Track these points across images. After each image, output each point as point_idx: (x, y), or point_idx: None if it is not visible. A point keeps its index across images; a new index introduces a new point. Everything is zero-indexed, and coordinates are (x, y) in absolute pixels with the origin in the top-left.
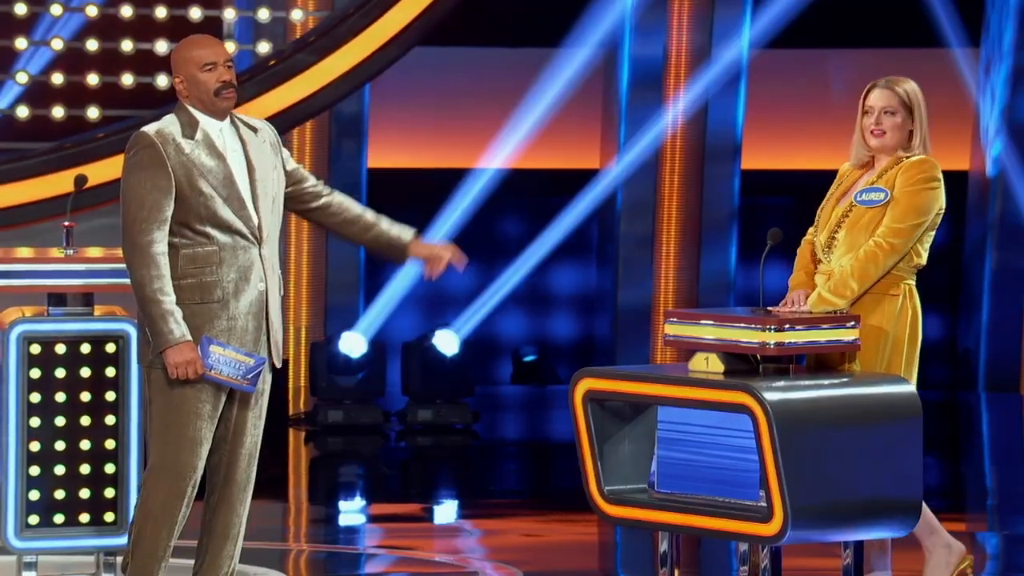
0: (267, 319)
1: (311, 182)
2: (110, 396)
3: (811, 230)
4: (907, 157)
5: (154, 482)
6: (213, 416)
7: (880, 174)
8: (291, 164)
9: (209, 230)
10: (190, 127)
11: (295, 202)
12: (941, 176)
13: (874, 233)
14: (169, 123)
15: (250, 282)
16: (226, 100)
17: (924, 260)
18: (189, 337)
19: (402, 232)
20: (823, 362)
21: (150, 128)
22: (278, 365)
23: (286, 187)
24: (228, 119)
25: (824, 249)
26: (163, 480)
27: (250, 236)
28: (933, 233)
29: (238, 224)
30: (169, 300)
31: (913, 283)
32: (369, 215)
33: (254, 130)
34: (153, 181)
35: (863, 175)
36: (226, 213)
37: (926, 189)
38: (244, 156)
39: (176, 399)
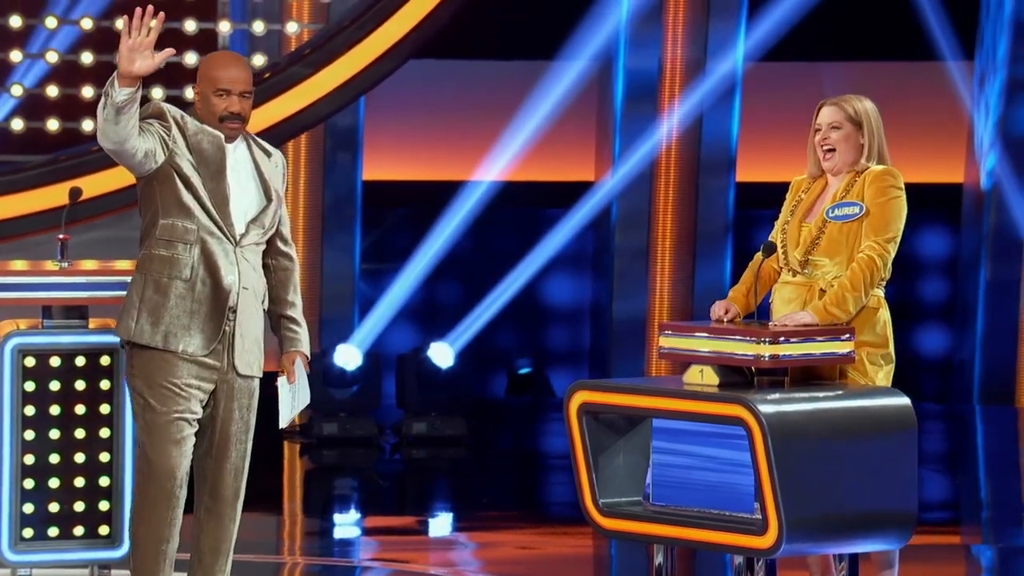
0: (235, 320)
1: (284, 237)
2: (105, 409)
3: (763, 250)
4: (867, 168)
5: (140, 485)
6: (194, 415)
7: (847, 188)
8: (282, 205)
9: (192, 208)
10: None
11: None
12: (903, 186)
13: (854, 245)
14: (186, 114)
15: (218, 275)
16: (230, 129)
17: (890, 270)
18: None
19: (290, 340)
20: (815, 374)
21: (168, 104)
22: (244, 372)
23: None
24: (243, 139)
25: (800, 265)
26: (149, 483)
27: (227, 232)
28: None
29: (216, 216)
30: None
31: (883, 295)
32: (287, 306)
33: (268, 153)
34: (157, 126)
35: (824, 189)
36: (206, 199)
37: (897, 199)
38: (255, 172)
39: (156, 401)
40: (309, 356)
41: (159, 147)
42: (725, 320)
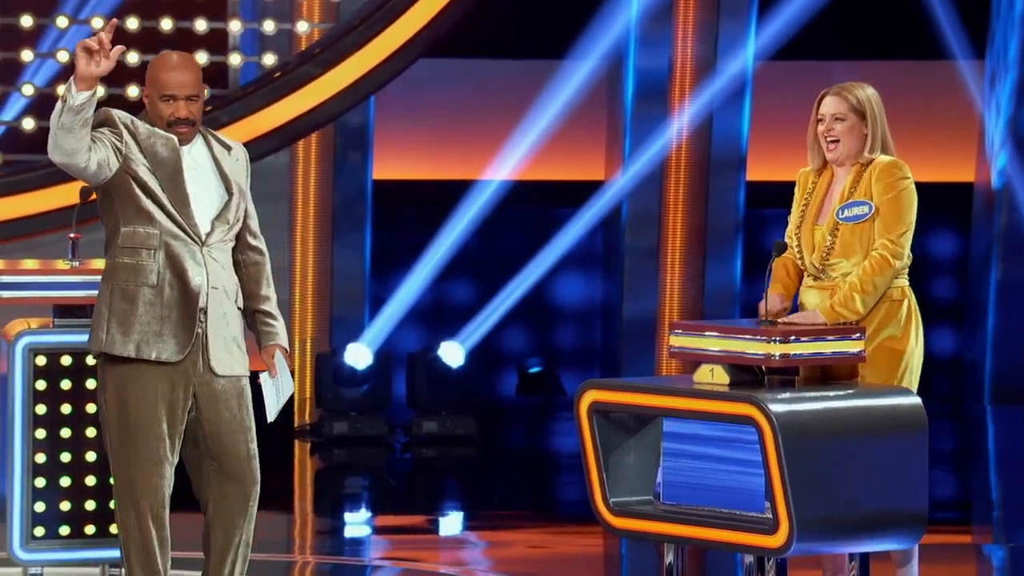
0: (206, 322)
1: (251, 230)
2: None
3: (773, 249)
4: (871, 160)
5: (121, 506)
6: (172, 434)
7: (854, 184)
8: (248, 204)
9: (153, 212)
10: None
11: None
12: (910, 174)
13: (868, 244)
14: (138, 119)
15: (185, 277)
16: (180, 133)
17: (910, 258)
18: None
19: (267, 335)
20: (831, 373)
21: (118, 110)
22: (222, 372)
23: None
24: (199, 135)
25: (818, 270)
26: (128, 503)
27: (191, 233)
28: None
29: (178, 218)
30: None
31: (907, 284)
32: (260, 300)
33: (227, 148)
34: (109, 134)
35: (831, 184)
36: (167, 202)
37: (905, 192)
38: (216, 169)
39: (132, 419)
40: (287, 347)
41: (111, 155)
42: (782, 311)
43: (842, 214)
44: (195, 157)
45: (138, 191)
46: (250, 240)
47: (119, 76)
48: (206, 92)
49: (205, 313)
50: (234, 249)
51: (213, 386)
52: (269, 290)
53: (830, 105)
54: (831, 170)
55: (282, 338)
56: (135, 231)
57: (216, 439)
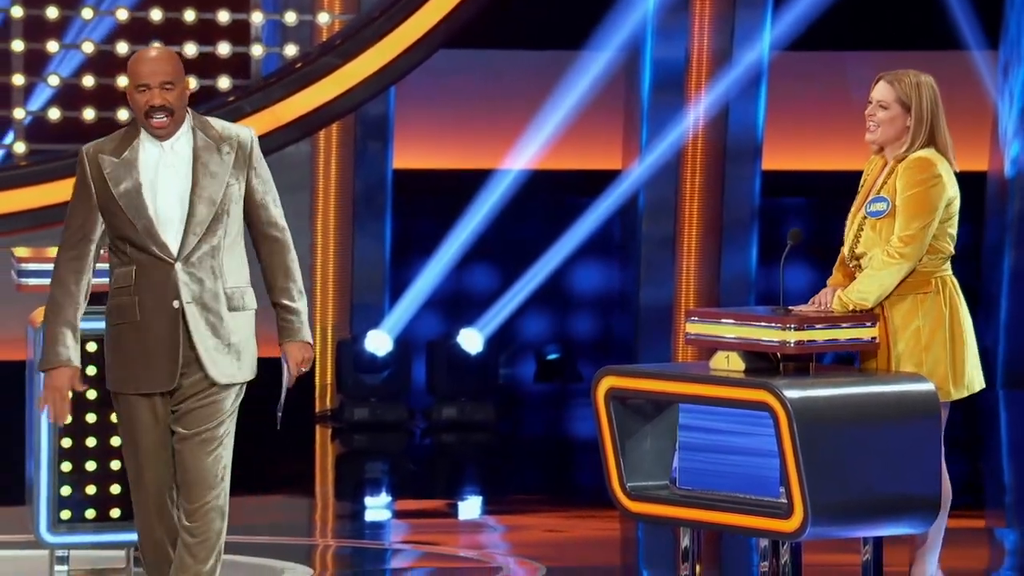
0: (188, 337)
1: (267, 219)
2: None
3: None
4: (907, 155)
5: (132, 497)
6: (158, 423)
7: (885, 179)
8: (259, 188)
9: (128, 249)
10: (126, 142)
11: (247, 224)
12: (940, 171)
13: (886, 240)
14: (113, 137)
15: (165, 302)
16: (156, 125)
17: (952, 248)
18: (70, 362)
19: (283, 330)
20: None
21: (91, 144)
22: (221, 381)
23: (247, 205)
24: (189, 128)
25: (851, 260)
26: (134, 494)
27: (163, 255)
28: (953, 220)
29: (148, 244)
30: (60, 320)
31: (947, 274)
32: (278, 293)
33: (219, 141)
34: (80, 197)
35: (881, 171)
36: (134, 234)
37: (925, 189)
38: (191, 171)
39: (122, 412)
40: (309, 340)
41: (91, 239)
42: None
43: (868, 208)
44: (174, 156)
45: (112, 228)
46: (264, 229)
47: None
48: (191, 82)
49: (188, 332)
50: (254, 240)
51: (206, 386)
52: (288, 281)
53: (878, 91)
54: (884, 157)
55: (300, 334)
56: (117, 272)
57: (181, 446)
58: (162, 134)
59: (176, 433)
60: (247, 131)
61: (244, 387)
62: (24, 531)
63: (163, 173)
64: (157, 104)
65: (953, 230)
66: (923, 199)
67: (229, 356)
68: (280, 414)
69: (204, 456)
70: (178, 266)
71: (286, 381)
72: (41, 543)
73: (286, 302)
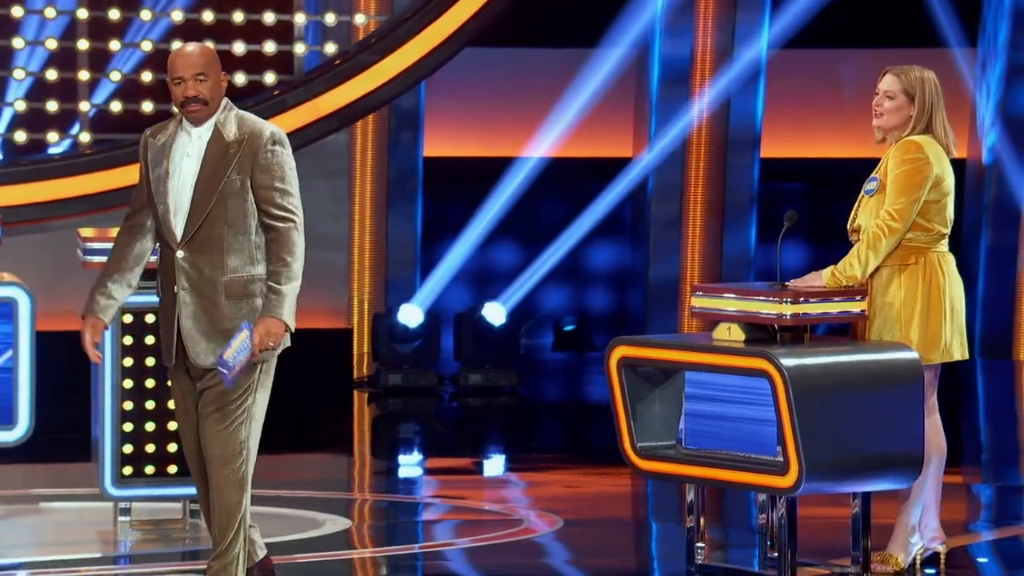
0: (178, 323)
1: (269, 212)
2: None
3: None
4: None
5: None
6: (184, 395)
7: (884, 161)
8: (264, 182)
9: (160, 231)
10: (169, 129)
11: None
12: (927, 152)
13: (877, 216)
14: (165, 123)
15: (169, 285)
16: (192, 113)
17: (944, 227)
18: (95, 314)
19: (264, 304)
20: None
21: (150, 127)
22: (196, 362)
23: (254, 197)
24: (212, 124)
25: (851, 234)
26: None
27: (169, 241)
28: (945, 201)
29: (163, 229)
30: (104, 276)
31: (935, 251)
32: (270, 275)
33: (235, 136)
34: (140, 174)
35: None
36: (158, 217)
37: (910, 168)
38: (199, 163)
39: (172, 395)
40: (282, 320)
41: (146, 210)
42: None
43: (864, 187)
44: (193, 147)
45: (153, 210)
46: (266, 220)
47: None
48: (240, 78)
49: (179, 317)
50: (262, 229)
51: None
52: (279, 266)
53: (886, 82)
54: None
55: (275, 310)
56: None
57: (202, 424)
58: (196, 119)
59: (198, 410)
60: (269, 130)
61: (264, 367)
62: (91, 485)
63: (184, 162)
64: (191, 95)
65: (946, 212)
66: (909, 177)
67: (214, 343)
68: (225, 371)
69: (217, 433)
70: (179, 253)
71: (238, 341)
72: (106, 496)
73: (272, 283)
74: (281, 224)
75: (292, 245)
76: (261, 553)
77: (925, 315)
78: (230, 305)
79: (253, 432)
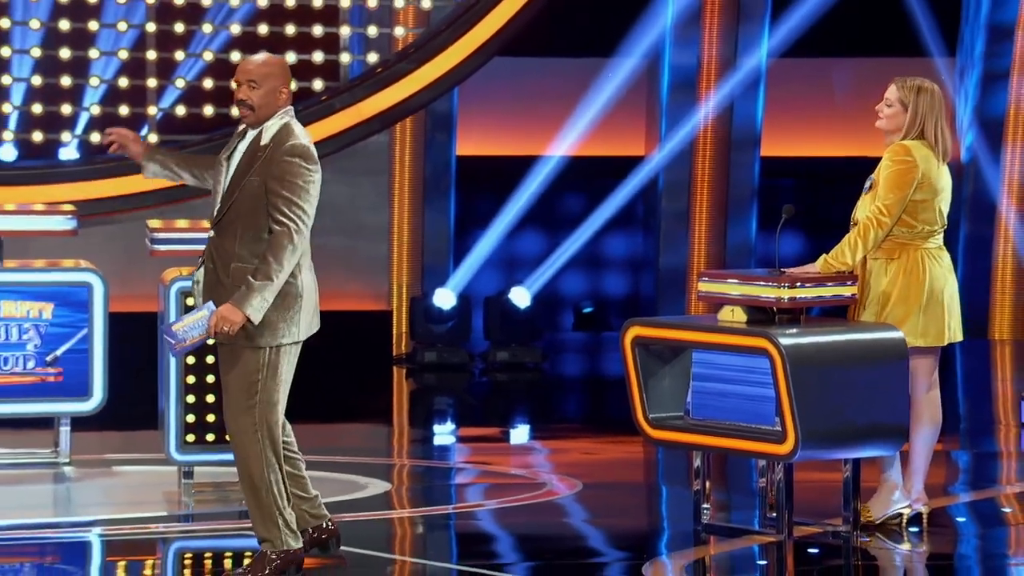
0: (200, 298)
1: (271, 215)
2: None
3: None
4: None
5: None
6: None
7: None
8: (274, 188)
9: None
10: (241, 131)
11: None
12: (914, 155)
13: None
14: None
15: (206, 258)
16: (241, 116)
17: (930, 225)
18: (148, 151)
19: (234, 296)
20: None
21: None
22: (212, 305)
23: (267, 203)
24: (260, 129)
25: (852, 225)
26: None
27: (211, 221)
28: (933, 201)
29: (212, 204)
30: (176, 151)
31: (922, 246)
32: (253, 271)
33: (263, 143)
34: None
35: None
36: (212, 193)
37: (897, 169)
38: (239, 160)
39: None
40: (243, 312)
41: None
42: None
43: (865, 184)
44: (241, 147)
45: None
46: (269, 222)
47: None
48: (285, 89)
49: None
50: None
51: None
52: (262, 263)
53: (888, 91)
54: None
55: (241, 301)
56: None
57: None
58: (245, 122)
59: None
60: (292, 142)
61: (271, 352)
62: (158, 451)
63: (233, 157)
64: (240, 98)
65: (933, 211)
66: (897, 176)
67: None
68: (173, 341)
69: (225, 403)
70: (212, 231)
71: (194, 317)
72: (171, 461)
73: (249, 276)
74: (277, 227)
75: (279, 248)
76: (316, 523)
77: (907, 305)
78: (231, 289)
79: (262, 416)
